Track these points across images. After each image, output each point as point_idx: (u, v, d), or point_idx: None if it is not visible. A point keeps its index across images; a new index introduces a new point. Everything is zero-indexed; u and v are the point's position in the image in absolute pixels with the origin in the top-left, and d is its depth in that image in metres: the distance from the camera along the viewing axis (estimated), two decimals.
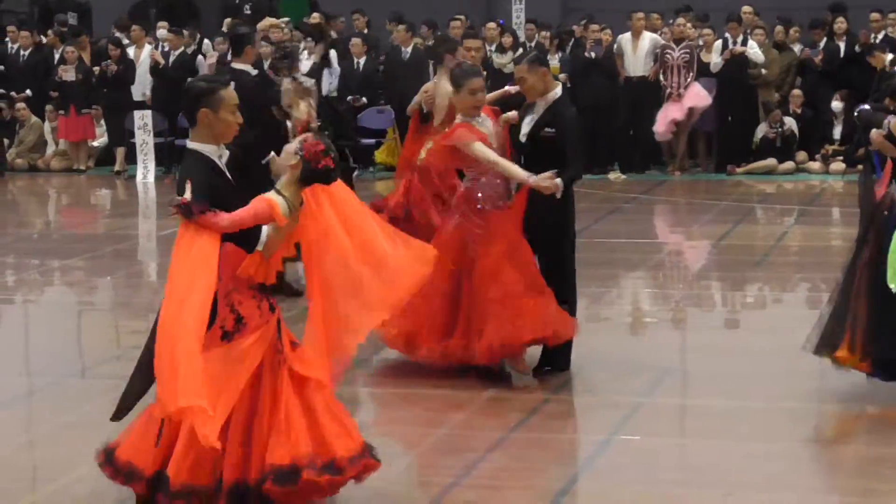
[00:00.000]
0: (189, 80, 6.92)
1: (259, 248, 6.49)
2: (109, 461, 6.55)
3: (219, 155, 6.52)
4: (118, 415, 6.76)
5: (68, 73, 20.97)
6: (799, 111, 19.73)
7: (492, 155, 8.98)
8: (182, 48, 21.14)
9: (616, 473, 7.48)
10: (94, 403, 8.94)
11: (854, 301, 8.61)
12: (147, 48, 21.20)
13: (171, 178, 20.82)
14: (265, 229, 6.49)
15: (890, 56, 18.32)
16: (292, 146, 6.55)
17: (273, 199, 6.39)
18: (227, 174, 6.52)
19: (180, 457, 6.32)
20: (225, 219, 6.28)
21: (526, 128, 9.21)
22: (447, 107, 10.39)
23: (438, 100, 10.64)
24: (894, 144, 8.64)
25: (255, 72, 11.82)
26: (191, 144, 6.53)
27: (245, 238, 6.41)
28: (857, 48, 19.46)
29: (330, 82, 19.34)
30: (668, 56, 19.59)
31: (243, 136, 6.73)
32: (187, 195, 6.27)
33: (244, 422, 6.39)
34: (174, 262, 6.31)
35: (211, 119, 6.48)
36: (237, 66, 11.65)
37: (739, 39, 19.76)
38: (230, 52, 13.32)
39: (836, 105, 19.43)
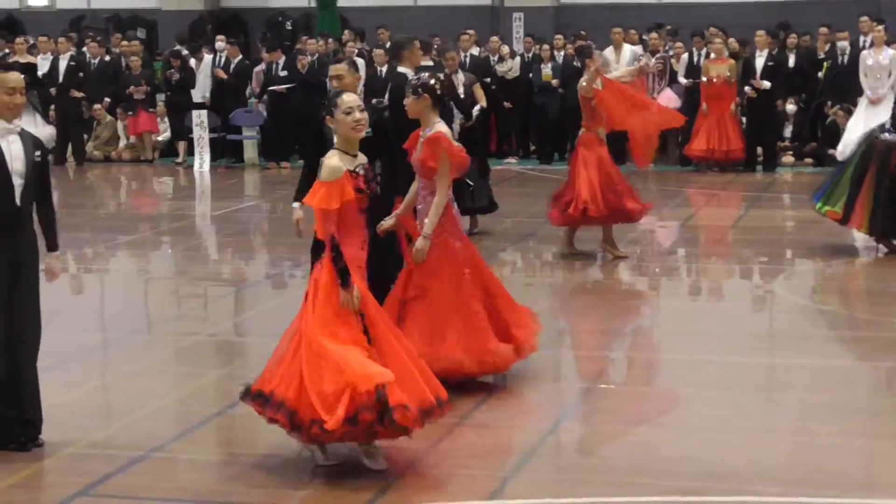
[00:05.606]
0: None
1: None
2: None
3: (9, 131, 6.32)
4: None
5: (139, 93, 21.19)
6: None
7: None
8: (239, 57, 21.10)
9: (594, 416, 7.51)
10: (157, 355, 8.98)
11: None
12: (207, 58, 21.19)
13: (223, 168, 20.86)
14: None
15: None
16: None
17: None
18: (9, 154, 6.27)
19: None
20: None
21: None
22: None
23: None
24: None
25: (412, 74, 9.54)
26: None
27: None
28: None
29: None
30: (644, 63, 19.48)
31: None
32: None
33: None
34: None
35: None
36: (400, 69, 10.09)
37: (703, 50, 19.65)
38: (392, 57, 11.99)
39: (791, 108, 19.37)
